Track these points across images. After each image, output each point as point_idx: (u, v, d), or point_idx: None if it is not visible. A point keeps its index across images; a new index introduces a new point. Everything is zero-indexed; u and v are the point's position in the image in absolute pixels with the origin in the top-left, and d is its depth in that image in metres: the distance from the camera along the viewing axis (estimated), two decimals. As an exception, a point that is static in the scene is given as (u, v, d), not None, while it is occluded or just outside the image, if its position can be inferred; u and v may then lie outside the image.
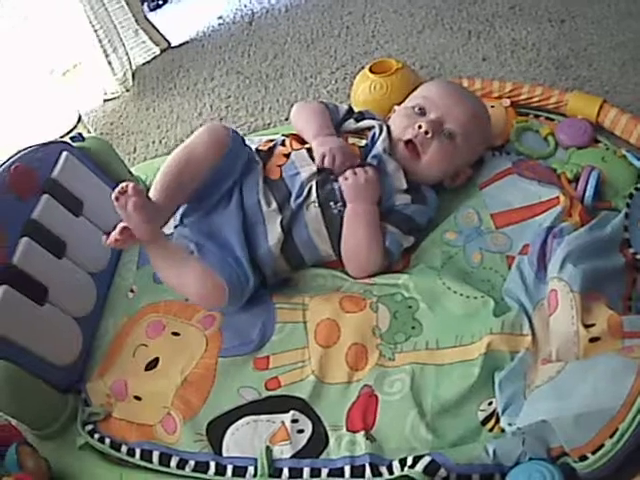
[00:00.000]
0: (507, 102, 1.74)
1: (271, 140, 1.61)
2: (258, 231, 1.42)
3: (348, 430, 1.22)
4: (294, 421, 1.24)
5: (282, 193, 1.43)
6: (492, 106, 1.71)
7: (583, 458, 1.01)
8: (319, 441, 1.22)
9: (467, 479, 1.08)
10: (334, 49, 2.36)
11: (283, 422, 1.25)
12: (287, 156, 1.49)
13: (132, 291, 1.60)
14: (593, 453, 1.00)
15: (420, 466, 1.08)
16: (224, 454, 1.24)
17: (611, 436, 0.99)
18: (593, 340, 1.12)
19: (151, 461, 1.27)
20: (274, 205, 1.42)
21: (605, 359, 1.07)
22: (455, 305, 1.30)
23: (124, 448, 1.30)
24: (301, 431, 1.24)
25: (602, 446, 0.99)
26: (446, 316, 1.30)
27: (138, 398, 1.37)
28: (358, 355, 1.30)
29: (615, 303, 1.19)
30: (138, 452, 1.28)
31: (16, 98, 2.13)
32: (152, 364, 1.42)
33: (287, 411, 1.26)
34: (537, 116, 1.72)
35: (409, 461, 1.10)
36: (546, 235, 1.32)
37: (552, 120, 1.69)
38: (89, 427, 1.35)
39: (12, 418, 1.33)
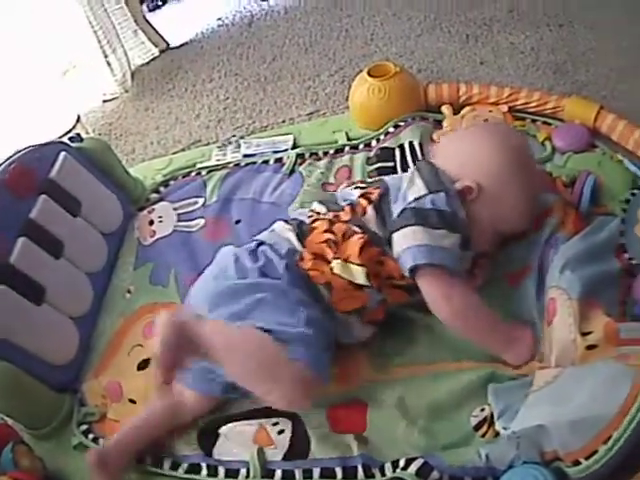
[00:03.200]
0: (505, 108, 1.74)
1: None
2: None
3: (334, 431, 1.23)
4: (274, 424, 1.25)
5: None
6: (490, 111, 1.72)
7: (576, 463, 1.01)
8: (302, 441, 1.22)
9: None
10: (332, 52, 2.36)
11: (261, 424, 1.25)
12: None
13: (129, 292, 1.60)
14: (586, 459, 1.00)
15: (413, 468, 1.09)
16: (215, 456, 1.24)
17: (605, 442, 0.99)
18: (590, 348, 1.12)
19: (144, 462, 1.27)
20: None
21: (602, 366, 1.07)
22: None
23: None
24: (281, 432, 1.24)
25: (596, 452, 0.99)
26: (446, 335, 1.28)
27: (133, 401, 1.37)
28: (350, 369, 1.30)
29: (611, 308, 1.19)
30: None
31: (15, 98, 2.14)
32: (144, 363, 1.42)
33: (268, 416, 1.26)
34: (534, 121, 1.72)
35: (401, 463, 1.11)
36: (544, 249, 1.32)
37: (549, 125, 1.69)
38: (84, 427, 1.35)
39: (8, 417, 1.33)
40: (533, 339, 1.22)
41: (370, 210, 1.29)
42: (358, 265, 1.24)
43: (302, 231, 1.31)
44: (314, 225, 1.32)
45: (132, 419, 1.31)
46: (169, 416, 1.29)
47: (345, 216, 1.30)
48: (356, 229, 1.27)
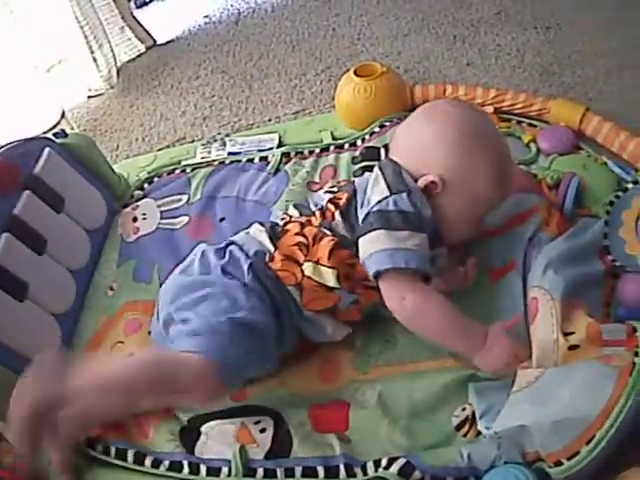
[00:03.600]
0: (490, 109, 1.74)
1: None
2: None
3: (316, 430, 1.22)
4: (256, 422, 1.25)
5: None
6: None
7: (558, 464, 1.02)
8: (284, 440, 1.22)
9: None
10: (319, 51, 2.37)
11: (243, 422, 1.25)
12: None
13: (111, 289, 1.59)
14: (569, 459, 1.01)
15: (395, 467, 1.09)
16: (197, 454, 1.23)
17: (587, 443, 1.00)
18: (572, 348, 1.12)
19: (126, 459, 1.26)
20: None
21: (584, 367, 1.08)
22: None
23: (99, 446, 1.29)
24: (263, 430, 1.24)
25: (578, 453, 1.00)
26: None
27: None
28: (330, 369, 1.31)
29: (594, 310, 1.20)
30: (113, 450, 1.27)
31: (-1, 94, 2.13)
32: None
33: (250, 414, 1.27)
34: (520, 122, 1.73)
35: (383, 462, 1.11)
36: (527, 248, 1.33)
37: (535, 126, 1.70)
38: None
39: (-11, 414, 1.32)
40: (510, 348, 1.18)
41: (338, 216, 1.29)
42: (328, 267, 1.25)
43: (275, 233, 1.33)
44: (286, 227, 1.33)
45: None
46: None
47: (316, 221, 1.30)
48: (326, 232, 1.28)
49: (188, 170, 1.85)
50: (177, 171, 1.87)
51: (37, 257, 1.47)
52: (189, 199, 1.76)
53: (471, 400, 1.17)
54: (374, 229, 1.21)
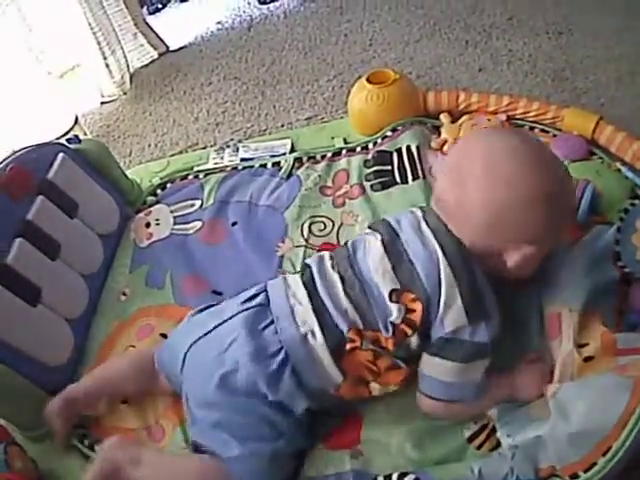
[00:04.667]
0: (503, 117, 1.74)
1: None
2: None
3: (327, 448, 1.21)
4: None
5: None
6: (488, 119, 1.72)
7: (574, 477, 1.02)
8: (294, 460, 1.20)
9: None
10: (332, 57, 2.37)
11: None
12: None
13: (124, 294, 1.60)
14: (585, 471, 1.01)
15: None
16: None
17: (604, 454, 0.99)
18: (587, 359, 1.12)
19: None
20: None
21: (600, 378, 1.07)
22: None
23: None
24: None
25: (595, 464, 1.00)
26: None
27: (124, 402, 1.37)
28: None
29: (608, 318, 1.19)
30: None
31: (13, 99, 2.13)
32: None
33: None
34: (532, 128, 1.72)
35: (394, 477, 1.10)
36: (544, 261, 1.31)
37: (547, 132, 1.70)
38: (80, 430, 1.34)
39: (1, 418, 1.33)
40: (540, 373, 1.18)
41: (414, 339, 1.15)
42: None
43: (338, 351, 1.16)
44: (355, 352, 1.16)
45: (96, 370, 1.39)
46: (134, 370, 1.34)
47: (388, 345, 1.15)
48: (400, 364, 1.18)
49: (201, 176, 1.86)
50: (190, 177, 1.87)
51: (50, 262, 1.47)
52: (202, 204, 1.76)
53: (490, 412, 1.17)
54: (441, 356, 1.14)
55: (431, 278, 1.12)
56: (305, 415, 1.19)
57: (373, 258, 1.19)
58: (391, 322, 1.14)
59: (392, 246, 1.19)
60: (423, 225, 1.19)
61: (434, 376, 1.15)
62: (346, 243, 1.28)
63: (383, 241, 1.20)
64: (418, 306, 1.13)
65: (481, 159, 1.14)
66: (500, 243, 1.15)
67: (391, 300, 1.14)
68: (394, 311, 1.14)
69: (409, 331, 1.14)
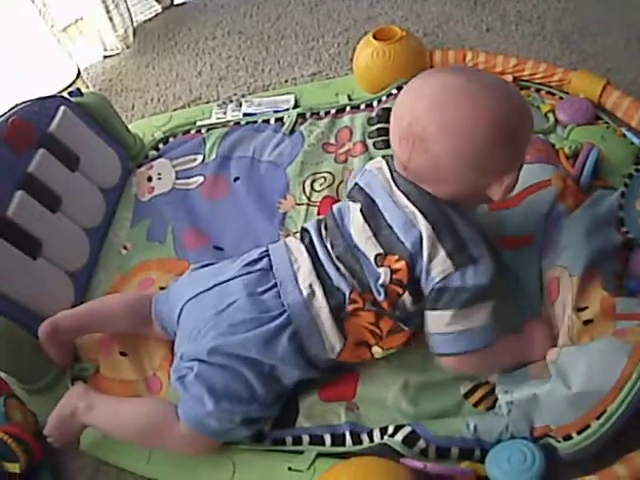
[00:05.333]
0: (510, 78, 1.72)
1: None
2: None
3: (322, 399, 1.23)
4: None
5: None
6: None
7: (567, 438, 1.03)
8: (290, 410, 1.23)
9: (446, 452, 1.09)
10: (338, 13, 2.34)
11: None
12: None
13: (125, 248, 1.60)
14: (579, 433, 1.02)
15: (400, 436, 1.10)
16: None
17: (598, 417, 1.01)
18: (586, 323, 1.12)
19: None
20: None
21: (599, 342, 1.08)
22: None
23: None
24: None
25: (588, 426, 1.01)
26: None
27: (123, 354, 1.38)
28: None
29: (609, 282, 1.20)
30: None
31: (16, 52, 2.11)
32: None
33: None
34: (538, 90, 1.71)
35: (390, 430, 1.12)
36: (545, 224, 1.31)
37: (553, 94, 1.69)
38: (78, 383, 1.35)
39: (1, 371, 1.33)
40: (546, 334, 1.18)
41: (407, 297, 1.15)
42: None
43: (340, 315, 1.18)
44: (357, 313, 1.18)
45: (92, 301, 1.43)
46: (129, 310, 1.36)
47: (386, 306, 1.16)
48: (403, 327, 1.19)
49: (203, 130, 1.85)
50: (192, 131, 1.87)
51: (51, 215, 1.47)
52: (204, 159, 1.76)
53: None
54: (439, 308, 1.13)
55: (411, 238, 1.13)
56: (290, 388, 1.22)
57: (355, 227, 1.20)
58: (381, 285, 1.14)
59: (370, 213, 1.19)
60: (394, 187, 1.19)
61: (439, 331, 1.15)
62: (332, 210, 1.28)
63: (362, 210, 1.20)
64: (402, 265, 1.13)
65: (430, 118, 1.09)
66: (479, 185, 1.12)
67: (377, 265, 1.15)
68: (382, 274, 1.14)
69: (399, 290, 1.14)
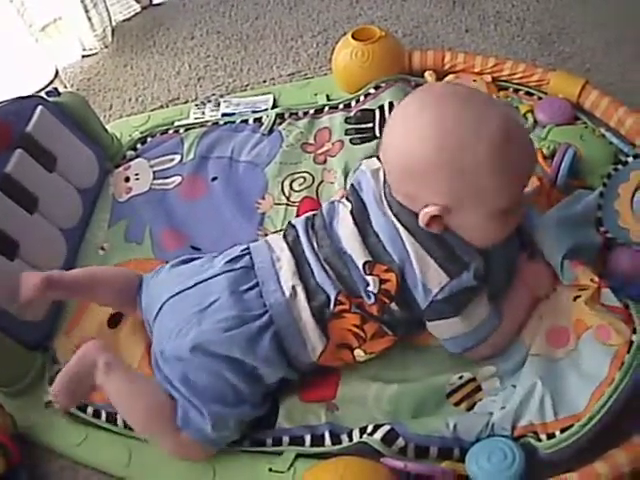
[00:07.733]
0: (489, 78, 1.73)
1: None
2: None
3: (303, 399, 1.23)
4: None
5: None
6: (474, 80, 1.71)
7: (550, 436, 1.04)
8: (270, 411, 1.22)
9: (425, 451, 1.09)
10: (317, 12, 2.33)
11: None
12: None
13: (103, 249, 1.59)
14: (562, 432, 1.03)
15: (379, 434, 1.10)
16: None
17: (579, 420, 1.03)
18: (575, 299, 1.17)
19: (116, 424, 1.27)
20: None
21: (588, 347, 1.11)
22: None
23: (90, 409, 1.30)
24: None
25: (571, 426, 1.03)
26: None
27: None
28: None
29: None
30: (104, 414, 1.28)
31: (-7, 51, 2.10)
32: (113, 318, 1.43)
33: None
34: (517, 90, 1.72)
35: (369, 429, 1.12)
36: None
37: (532, 95, 1.69)
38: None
39: (-22, 374, 1.32)
40: (544, 271, 1.23)
41: (394, 306, 1.16)
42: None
43: (323, 316, 1.18)
44: (343, 315, 1.17)
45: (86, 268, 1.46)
46: (121, 281, 1.37)
47: (374, 311, 1.17)
48: (387, 332, 1.20)
49: (181, 130, 1.84)
50: (170, 131, 1.86)
51: (28, 216, 1.46)
52: (182, 159, 1.75)
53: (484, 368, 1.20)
54: (443, 317, 1.15)
55: (397, 249, 1.13)
56: (275, 386, 1.22)
57: (345, 230, 1.20)
58: (370, 291, 1.15)
59: (360, 217, 1.19)
60: (383, 197, 1.19)
61: (452, 336, 1.17)
62: (322, 210, 1.28)
63: (352, 212, 1.20)
64: (392, 276, 1.13)
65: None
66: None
67: (365, 272, 1.15)
68: (370, 283, 1.15)
69: (387, 300, 1.15)
